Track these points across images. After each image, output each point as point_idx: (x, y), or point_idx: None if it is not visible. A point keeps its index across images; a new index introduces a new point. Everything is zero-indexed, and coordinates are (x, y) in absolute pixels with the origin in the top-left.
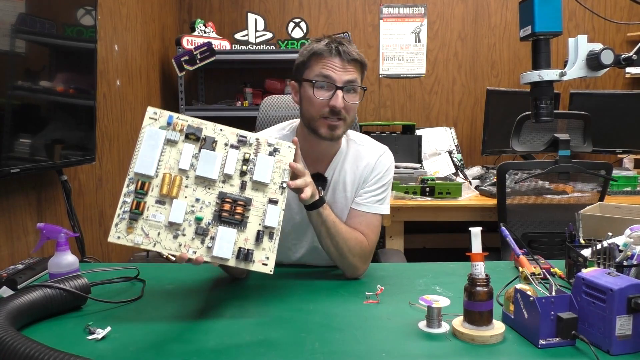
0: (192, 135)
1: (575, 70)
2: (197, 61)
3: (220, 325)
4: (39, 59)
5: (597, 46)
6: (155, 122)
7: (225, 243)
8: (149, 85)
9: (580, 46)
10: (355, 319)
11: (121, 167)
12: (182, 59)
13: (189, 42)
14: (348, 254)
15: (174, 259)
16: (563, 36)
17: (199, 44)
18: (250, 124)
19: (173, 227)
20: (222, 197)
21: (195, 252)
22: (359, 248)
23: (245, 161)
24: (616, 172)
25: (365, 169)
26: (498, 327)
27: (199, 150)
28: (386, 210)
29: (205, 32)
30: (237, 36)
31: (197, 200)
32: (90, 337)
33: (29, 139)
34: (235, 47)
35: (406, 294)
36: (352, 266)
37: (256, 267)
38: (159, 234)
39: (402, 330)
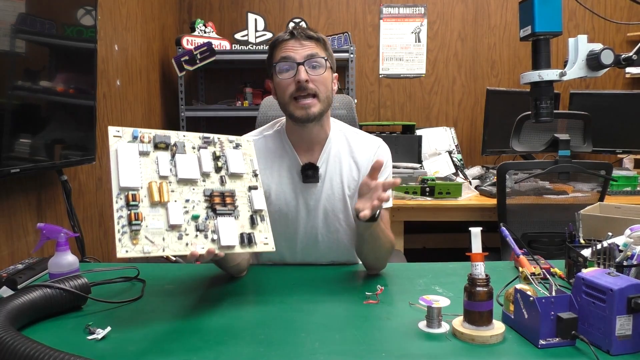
0: (162, 144)
1: (575, 70)
2: (197, 61)
3: (220, 325)
4: (39, 59)
5: (597, 46)
6: (121, 140)
7: (229, 231)
8: (149, 85)
9: (580, 46)
10: (355, 319)
11: None
12: (182, 59)
13: (189, 42)
14: (387, 254)
15: (174, 259)
16: (563, 36)
17: (199, 44)
18: (250, 124)
19: (175, 229)
20: (209, 193)
21: (203, 248)
22: (390, 245)
23: (217, 158)
24: (616, 172)
25: (366, 166)
26: (498, 327)
27: (173, 156)
28: (391, 204)
29: (205, 32)
30: (237, 36)
31: (187, 200)
32: (90, 337)
33: (29, 139)
34: (235, 47)
35: (406, 294)
36: (384, 262)
37: (260, 247)
38: (163, 238)
39: (402, 330)
